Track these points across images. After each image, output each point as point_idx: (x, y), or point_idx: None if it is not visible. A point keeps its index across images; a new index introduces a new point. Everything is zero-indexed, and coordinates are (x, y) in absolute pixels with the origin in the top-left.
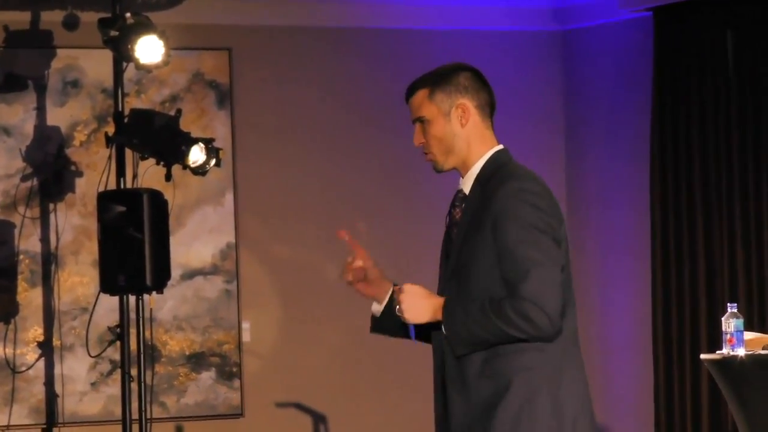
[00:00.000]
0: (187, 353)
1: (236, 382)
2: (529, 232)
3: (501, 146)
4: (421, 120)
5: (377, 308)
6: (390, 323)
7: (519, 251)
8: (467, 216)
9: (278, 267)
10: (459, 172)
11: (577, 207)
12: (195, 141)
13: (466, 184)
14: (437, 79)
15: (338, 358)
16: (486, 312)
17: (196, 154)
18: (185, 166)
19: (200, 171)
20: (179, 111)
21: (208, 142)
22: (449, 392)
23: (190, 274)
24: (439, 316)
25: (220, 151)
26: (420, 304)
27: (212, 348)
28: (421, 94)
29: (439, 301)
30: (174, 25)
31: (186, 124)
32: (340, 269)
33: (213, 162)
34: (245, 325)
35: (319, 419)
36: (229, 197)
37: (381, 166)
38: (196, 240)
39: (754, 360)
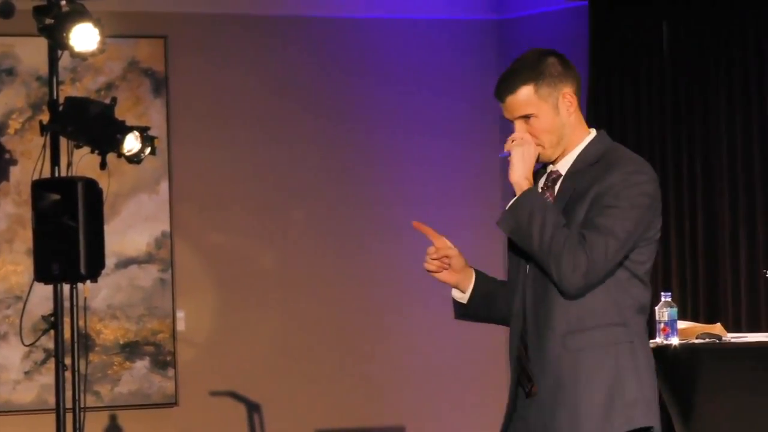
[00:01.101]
0: (122, 342)
1: (170, 371)
2: (625, 209)
3: (595, 130)
4: (527, 116)
5: (460, 295)
6: (476, 309)
7: (608, 217)
8: (567, 193)
9: (213, 255)
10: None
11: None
12: (130, 129)
13: (562, 166)
14: (537, 74)
15: (273, 347)
16: (556, 221)
17: (131, 143)
18: (120, 155)
19: (135, 159)
20: (114, 99)
21: (143, 131)
22: (533, 372)
23: (124, 263)
24: (524, 185)
25: (155, 140)
26: (530, 160)
27: (146, 337)
28: (525, 91)
29: (532, 179)
30: (109, 13)
31: (121, 112)
32: (275, 258)
33: (148, 150)
34: (180, 314)
35: (253, 408)
36: (164, 185)
37: (316, 154)
38: (131, 228)
39: (687, 349)
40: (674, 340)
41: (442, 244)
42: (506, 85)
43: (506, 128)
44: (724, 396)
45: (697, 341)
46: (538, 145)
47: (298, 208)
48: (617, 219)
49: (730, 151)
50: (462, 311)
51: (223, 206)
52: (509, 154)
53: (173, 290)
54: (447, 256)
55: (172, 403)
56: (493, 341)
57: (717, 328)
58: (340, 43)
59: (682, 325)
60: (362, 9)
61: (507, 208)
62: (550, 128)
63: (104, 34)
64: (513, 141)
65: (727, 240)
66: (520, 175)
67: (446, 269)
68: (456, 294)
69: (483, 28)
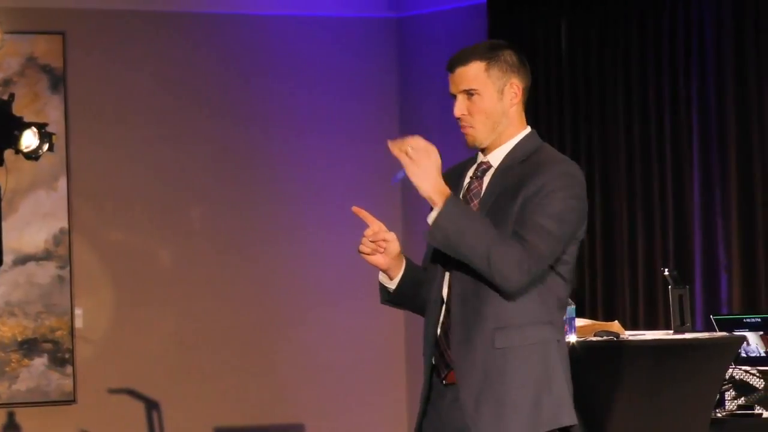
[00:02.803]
0: (19, 339)
1: (69, 369)
2: (560, 213)
3: (530, 128)
4: (470, 92)
5: (388, 281)
6: (403, 296)
7: (542, 220)
8: (496, 188)
9: (111, 253)
10: (483, 147)
11: (410, 193)
12: (28, 125)
13: (494, 158)
14: (492, 55)
15: (171, 345)
16: (486, 225)
17: (29, 139)
18: (18, 151)
19: (33, 156)
20: (12, 95)
21: (41, 127)
22: (456, 364)
23: (22, 260)
24: (438, 198)
25: (54, 136)
26: (432, 172)
27: (45, 334)
28: (476, 66)
29: (446, 187)
30: (6, 9)
31: (19, 109)
32: (173, 256)
33: (46, 147)
34: (78, 312)
35: (152, 406)
36: (63, 182)
37: (215, 152)
38: (29, 225)
39: (585, 347)
40: (572, 338)
41: (380, 228)
42: (459, 57)
43: (405, 126)
44: (622, 394)
45: (595, 339)
46: (470, 127)
47: (196, 206)
48: (555, 219)
49: (627, 148)
50: (388, 296)
51: (121, 203)
52: (403, 175)
53: (71, 287)
54: (384, 240)
55: (70, 400)
56: (392, 340)
57: (615, 326)
58: (238, 40)
59: (580, 322)
60: (261, 6)
61: (430, 223)
62: (489, 110)
63: (2, 30)
64: (406, 157)
65: (624, 238)
66: (428, 190)
67: (380, 253)
68: (384, 279)
69: (381, 26)
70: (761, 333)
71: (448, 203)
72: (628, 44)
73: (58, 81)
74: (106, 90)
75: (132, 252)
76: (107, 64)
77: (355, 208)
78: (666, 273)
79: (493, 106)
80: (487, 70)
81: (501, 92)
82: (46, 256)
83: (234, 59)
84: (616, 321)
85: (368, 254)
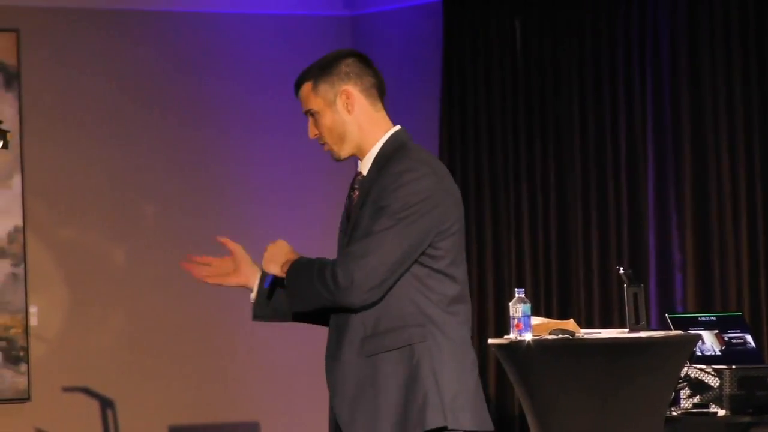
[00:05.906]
0: None
1: (23, 366)
2: (397, 210)
3: (398, 127)
4: (311, 113)
5: (253, 296)
6: (264, 308)
7: (378, 221)
8: (363, 197)
9: (66, 251)
10: (357, 156)
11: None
12: None
13: (365, 167)
14: (319, 71)
15: (126, 343)
16: (315, 268)
17: None
18: None
19: None
20: None
21: None
22: (327, 378)
23: None
24: (283, 272)
25: (8, 134)
26: (277, 255)
27: None
28: (306, 88)
29: (295, 257)
30: None
31: None
32: (126, 254)
33: (0, 144)
34: (32, 309)
35: (106, 403)
36: (17, 180)
37: (169, 151)
38: None
39: (540, 345)
40: (527, 336)
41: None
42: (297, 81)
43: None
44: (577, 392)
45: (550, 337)
46: (324, 144)
47: (150, 205)
48: (388, 221)
49: (582, 148)
50: (255, 312)
51: (75, 201)
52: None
53: (26, 285)
54: (225, 260)
55: (24, 398)
56: None
57: (570, 324)
58: (192, 38)
59: (535, 321)
60: (215, 4)
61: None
62: (330, 125)
63: None
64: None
65: (579, 236)
66: (276, 267)
67: (228, 274)
68: (252, 296)
69: (336, 25)
70: (716, 331)
71: (287, 272)
72: (582, 43)
73: (12, 78)
74: (60, 88)
75: (86, 250)
76: (61, 62)
77: (219, 239)
78: (621, 271)
79: (332, 120)
80: (314, 89)
81: (334, 104)
82: (0, 253)
83: (188, 58)
84: (572, 319)
85: (206, 278)
